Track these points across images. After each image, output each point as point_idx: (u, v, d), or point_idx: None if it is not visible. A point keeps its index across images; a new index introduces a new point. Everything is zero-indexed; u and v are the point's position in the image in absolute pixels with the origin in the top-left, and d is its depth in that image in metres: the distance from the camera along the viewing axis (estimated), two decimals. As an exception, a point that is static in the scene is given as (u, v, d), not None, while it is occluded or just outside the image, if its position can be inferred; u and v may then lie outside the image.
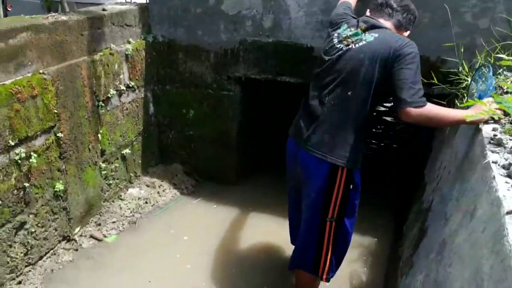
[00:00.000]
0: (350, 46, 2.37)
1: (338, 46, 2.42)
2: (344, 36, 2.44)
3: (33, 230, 3.00)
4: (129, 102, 3.88)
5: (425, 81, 2.40)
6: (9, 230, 2.82)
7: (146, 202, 3.86)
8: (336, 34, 2.50)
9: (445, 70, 2.97)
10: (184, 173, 4.29)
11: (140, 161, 4.15)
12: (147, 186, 4.08)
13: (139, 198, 3.88)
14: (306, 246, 2.65)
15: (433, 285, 1.83)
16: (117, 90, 3.65)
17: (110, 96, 3.58)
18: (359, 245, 3.32)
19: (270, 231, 3.54)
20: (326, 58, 2.45)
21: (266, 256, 3.30)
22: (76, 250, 3.28)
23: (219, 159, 4.20)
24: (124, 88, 3.74)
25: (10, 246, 2.84)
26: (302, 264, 2.71)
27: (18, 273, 2.93)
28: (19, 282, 2.91)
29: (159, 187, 4.07)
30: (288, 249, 3.01)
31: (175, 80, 4.09)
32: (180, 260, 3.23)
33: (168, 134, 4.33)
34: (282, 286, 3.01)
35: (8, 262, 2.84)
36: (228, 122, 4.04)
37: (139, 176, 4.17)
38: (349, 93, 2.33)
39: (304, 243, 2.66)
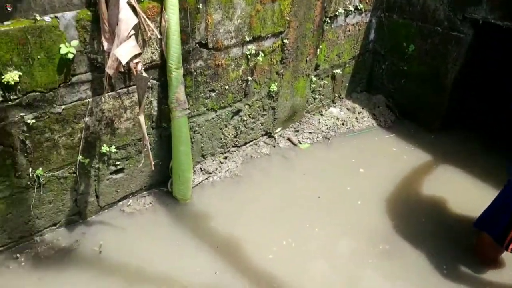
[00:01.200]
0: None
1: None
2: None
3: (245, 119, 3.46)
4: (353, 24, 3.93)
5: None
6: (228, 113, 3.31)
7: (343, 124, 4.01)
8: None
9: None
10: (386, 106, 4.26)
11: (347, 84, 4.27)
12: (348, 109, 4.21)
13: (337, 118, 4.06)
14: (500, 212, 2.48)
15: None
16: (345, 10, 3.73)
17: (337, 14, 3.68)
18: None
19: (459, 187, 3.37)
20: None
21: (447, 208, 3.18)
22: (274, 146, 3.68)
23: (427, 101, 4.02)
24: (352, 9, 3.79)
25: (226, 126, 3.36)
26: (489, 228, 2.56)
27: (227, 150, 3.48)
28: (226, 157, 3.46)
29: (358, 113, 4.16)
30: (476, 208, 2.84)
31: (404, 10, 3.95)
32: (351, 188, 3.36)
33: (381, 64, 4.29)
34: (462, 242, 2.90)
35: (221, 139, 3.38)
36: (448, 65, 3.78)
37: (342, 98, 4.31)
38: None
39: (500, 209, 2.49)
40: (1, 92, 2.18)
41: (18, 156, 2.37)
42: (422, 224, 3.03)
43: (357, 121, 4.08)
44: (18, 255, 2.56)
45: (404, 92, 4.19)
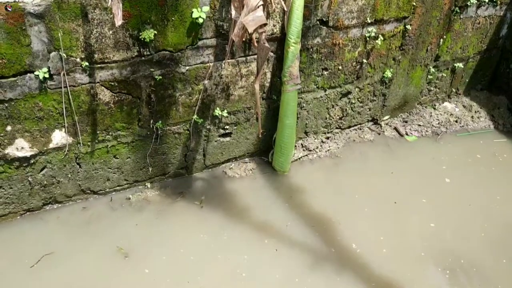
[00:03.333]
0: None
1: None
2: None
3: (353, 102, 3.43)
4: (484, 17, 3.66)
5: None
6: (337, 93, 3.31)
7: (456, 121, 3.80)
8: None
9: None
10: (508, 109, 3.94)
11: (467, 80, 4.01)
12: (464, 106, 3.97)
13: (451, 114, 3.85)
14: None
15: None
16: (478, 0, 3.48)
17: (468, 4, 3.45)
18: None
19: None
20: None
21: None
22: (379, 134, 3.62)
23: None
24: (486, 0, 3.52)
25: (333, 106, 3.36)
26: None
27: (330, 130, 3.49)
28: (328, 138, 3.47)
29: (475, 112, 3.91)
30: None
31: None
32: (426, 197, 3.18)
33: (509, 63, 3.96)
34: None
35: (326, 118, 3.40)
36: None
37: (460, 94, 4.07)
38: None
39: None
40: (137, 48, 2.41)
41: (143, 107, 2.61)
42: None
43: (472, 120, 3.84)
44: (130, 196, 2.85)
45: (531, 96, 3.85)
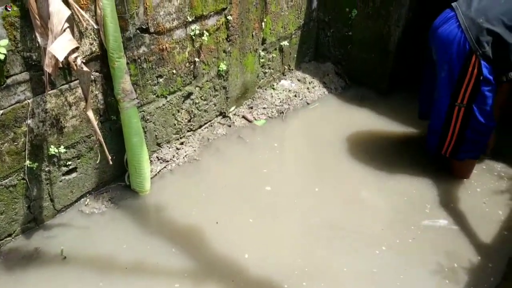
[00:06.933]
0: None
1: None
2: None
3: (197, 101, 3.38)
4: (295, -6, 3.89)
5: None
6: (179, 97, 3.23)
7: (295, 96, 4.02)
8: None
9: None
10: (335, 73, 4.30)
11: (295, 55, 4.26)
12: (298, 80, 4.21)
13: (289, 91, 4.05)
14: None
15: None
16: (285, -20, 3.68)
17: (278, -15, 3.62)
18: (510, 178, 3.11)
19: (412, 141, 3.51)
20: None
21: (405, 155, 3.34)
22: (229, 126, 3.64)
23: (374, 65, 4.09)
24: (292, -21, 3.74)
25: (178, 111, 3.27)
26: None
27: (182, 135, 3.40)
28: (182, 143, 3.39)
29: (309, 83, 4.17)
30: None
31: (343, -25, 3.94)
32: (320, 150, 3.41)
33: (326, 31, 4.30)
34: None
35: (175, 124, 3.30)
36: (391, 27, 3.83)
37: (292, 69, 4.30)
38: None
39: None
40: None
41: (-42, 169, 2.21)
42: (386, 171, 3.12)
43: (308, 91, 4.09)
44: (-26, 272, 2.42)
45: (351, 58, 4.24)
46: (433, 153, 3.05)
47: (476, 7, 2.61)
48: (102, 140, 2.50)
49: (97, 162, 2.83)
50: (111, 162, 2.66)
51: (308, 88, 4.13)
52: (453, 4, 2.74)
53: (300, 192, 3.05)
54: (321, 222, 2.81)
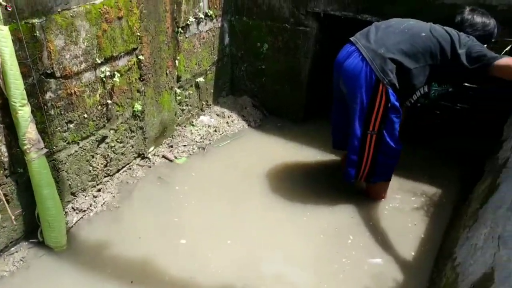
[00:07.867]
0: None
1: None
2: None
3: (113, 145, 3.24)
4: (206, 31, 3.93)
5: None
6: (93, 142, 3.07)
7: (215, 131, 4.00)
8: None
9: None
10: (253, 106, 4.36)
11: (212, 91, 4.27)
12: (217, 115, 4.21)
13: (209, 126, 4.03)
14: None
15: (498, 240, 1.81)
16: (196, 18, 3.70)
17: (189, 23, 3.64)
18: (423, 194, 3.31)
19: (329, 165, 3.63)
20: None
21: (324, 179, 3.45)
22: (149, 167, 3.52)
23: (288, 95, 4.21)
24: (203, 17, 3.78)
25: (93, 156, 3.10)
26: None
27: (98, 181, 3.22)
28: (99, 190, 3.20)
29: (228, 117, 4.19)
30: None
31: (252, 11, 4.06)
32: (241, 186, 3.39)
33: (240, 66, 4.38)
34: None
35: (90, 171, 3.12)
36: (301, 59, 3.99)
37: (210, 105, 4.30)
38: None
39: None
40: None
41: None
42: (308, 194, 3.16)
43: (228, 126, 4.10)
44: None
45: (266, 90, 4.34)
46: (352, 182, 3.13)
47: (374, 39, 2.78)
48: (3, 197, 2.27)
49: (2, 220, 2.57)
50: (15, 220, 2.42)
51: (227, 123, 4.14)
52: (352, 38, 2.90)
53: (216, 244, 2.88)
54: (238, 269, 2.69)
